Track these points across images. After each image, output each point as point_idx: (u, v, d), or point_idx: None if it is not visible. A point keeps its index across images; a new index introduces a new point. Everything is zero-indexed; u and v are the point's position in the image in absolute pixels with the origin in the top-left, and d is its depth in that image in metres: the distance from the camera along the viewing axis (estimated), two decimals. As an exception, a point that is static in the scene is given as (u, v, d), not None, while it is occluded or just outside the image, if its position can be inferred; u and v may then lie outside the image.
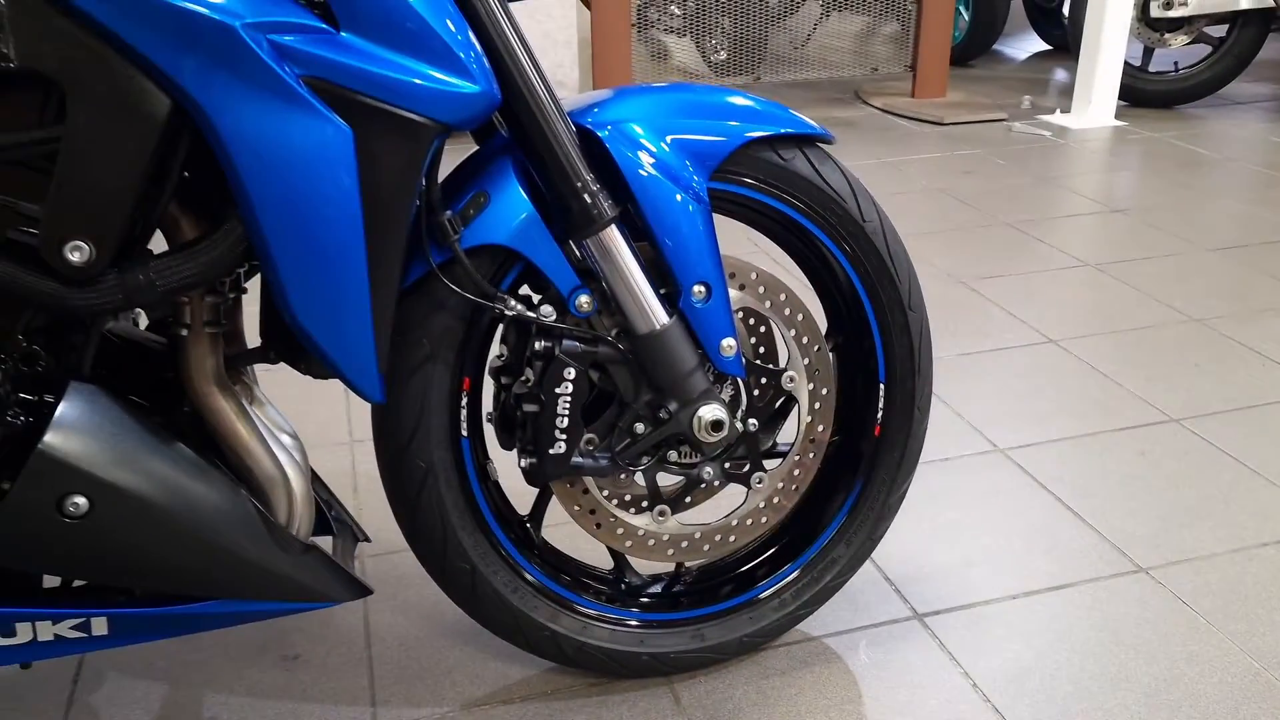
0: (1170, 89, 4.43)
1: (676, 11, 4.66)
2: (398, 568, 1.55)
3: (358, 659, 1.40)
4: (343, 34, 0.88)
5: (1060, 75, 5.26)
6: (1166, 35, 4.34)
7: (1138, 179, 3.54)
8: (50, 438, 0.91)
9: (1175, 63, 4.47)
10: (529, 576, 1.25)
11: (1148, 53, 4.41)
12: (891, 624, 1.45)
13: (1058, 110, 4.34)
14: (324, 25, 0.87)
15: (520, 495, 1.30)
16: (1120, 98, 4.25)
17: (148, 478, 0.96)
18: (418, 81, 0.91)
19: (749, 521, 1.29)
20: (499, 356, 1.21)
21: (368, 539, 1.30)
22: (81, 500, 0.93)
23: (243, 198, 0.88)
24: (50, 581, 1.05)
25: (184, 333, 1.01)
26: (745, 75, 4.63)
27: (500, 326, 1.19)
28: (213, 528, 1.00)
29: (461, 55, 0.93)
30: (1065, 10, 5.42)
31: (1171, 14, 4.26)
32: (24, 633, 0.99)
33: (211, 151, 0.88)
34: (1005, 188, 3.38)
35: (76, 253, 0.86)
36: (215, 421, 1.04)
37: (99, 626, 1.01)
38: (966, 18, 5.29)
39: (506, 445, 1.23)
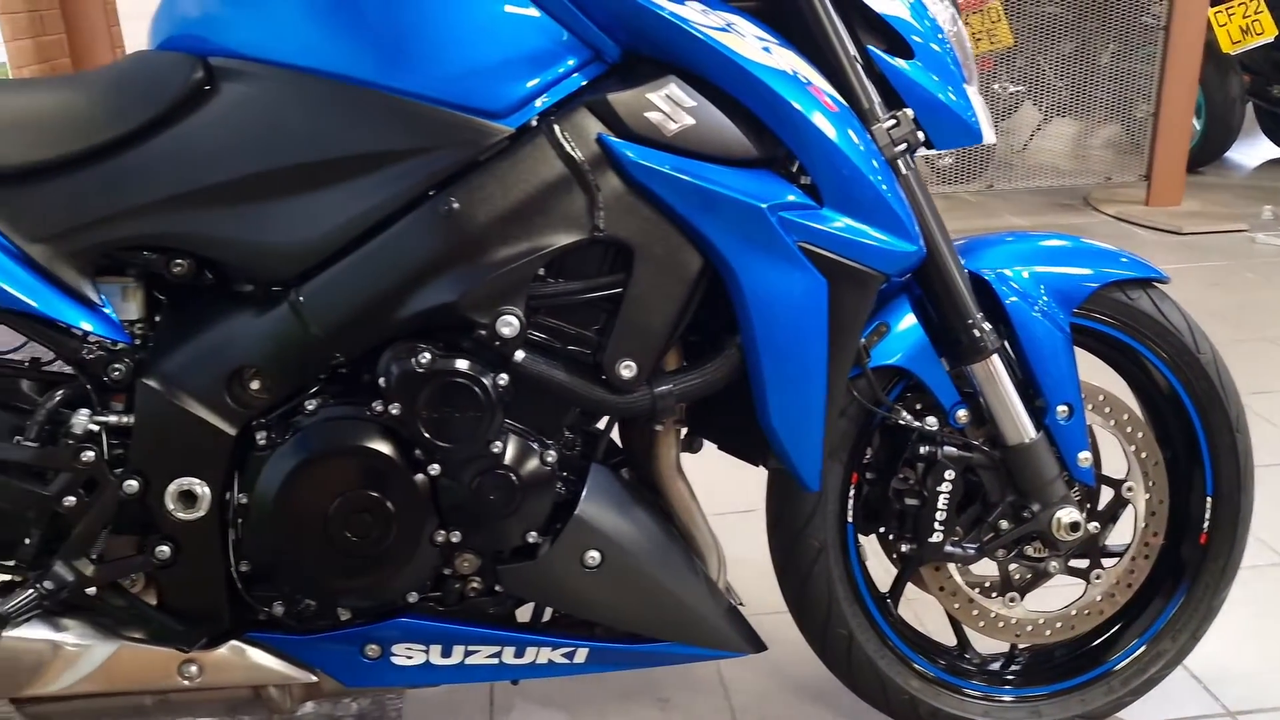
0: None
1: (903, 119, 4.90)
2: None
3: (720, 707, 1.63)
4: (824, 209, 1.15)
5: (1299, 183, 5.18)
6: None
7: (1399, 295, 3.49)
8: (583, 506, 1.20)
9: None
10: (894, 645, 1.46)
11: (1401, 164, 4.34)
12: (1204, 719, 1.57)
13: (1303, 221, 4.31)
14: (812, 202, 1.15)
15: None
16: (1372, 210, 4.19)
17: (641, 540, 1.24)
18: (875, 244, 1.17)
19: (1087, 613, 1.47)
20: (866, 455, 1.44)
21: (741, 603, 1.54)
22: (597, 555, 1.21)
23: (748, 331, 1.15)
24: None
25: (658, 429, 1.29)
26: (975, 182, 4.80)
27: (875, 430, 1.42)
28: (678, 582, 1.27)
29: (905, 224, 1.19)
30: (1304, 118, 5.39)
31: None
32: (530, 655, 1.27)
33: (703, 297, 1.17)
34: (1257, 301, 3.41)
35: (627, 370, 1.15)
36: (673, 499, 1.32)
37: (580, 655, 1.29)
38: (1198, 125, 5.31)
39: (865, 531, 1.46)
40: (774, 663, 1.70)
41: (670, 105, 1.11)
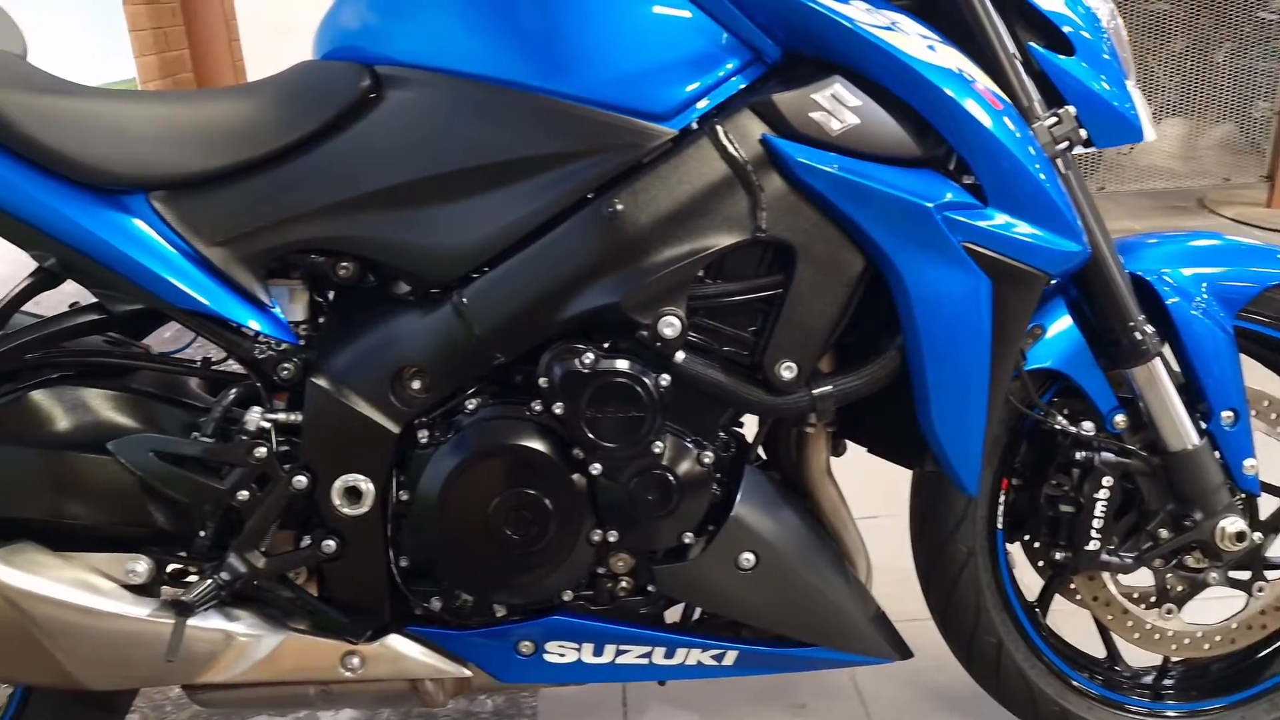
0: None
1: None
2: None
3: (857, 714, 1.61)
4: (989, 208, 1.13)
5: None
6: None
7: None
8: (739, 508, 1.20)
9: None
10: (1045, 654, 1.42)
11: None
12: (1372, 741, 1.50)
13: None
14: (977, 201, 1.13)
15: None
16: None
17: (794, 543, 1.23)
18: (1040, 244, 1.14)
19: (1249, 626, 1.41)
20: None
21: (880, 609, 1.52)
22: (751, 557, 1.21)
23: (911, 332, 1.14)
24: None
25: (808, 431, 1.29)
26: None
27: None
28: (829, 586, 1.26)
29: (1070, 223, 1.16)
30: None
31: None
32: (680, 656, 1.27)
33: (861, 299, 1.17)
34: (1395, 306, 3.25)
35: (787, 371, 1.15)
36: (823, 501, 1.31)
37: (729, 658, 1.29)
38: (1321, 124, 5.08)
39: (1012, 538, 1.43)
40: (910, 671, 1.67)
41: (834, 105, 1.10)
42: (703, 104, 1.12)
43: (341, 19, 1.24)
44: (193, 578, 1.23)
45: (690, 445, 1.19)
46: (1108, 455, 1.31)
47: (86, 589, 1.17)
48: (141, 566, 1.20)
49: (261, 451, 1.18)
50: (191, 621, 1.19)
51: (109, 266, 1.17)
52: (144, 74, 3.91)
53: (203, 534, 1.20)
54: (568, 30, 1.13)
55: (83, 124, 1.17)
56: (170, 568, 1.23)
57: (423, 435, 1.20)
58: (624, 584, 1.26)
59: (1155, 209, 4.73)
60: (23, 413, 1.20)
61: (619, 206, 1.11)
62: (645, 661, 1.27)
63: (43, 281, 1.20)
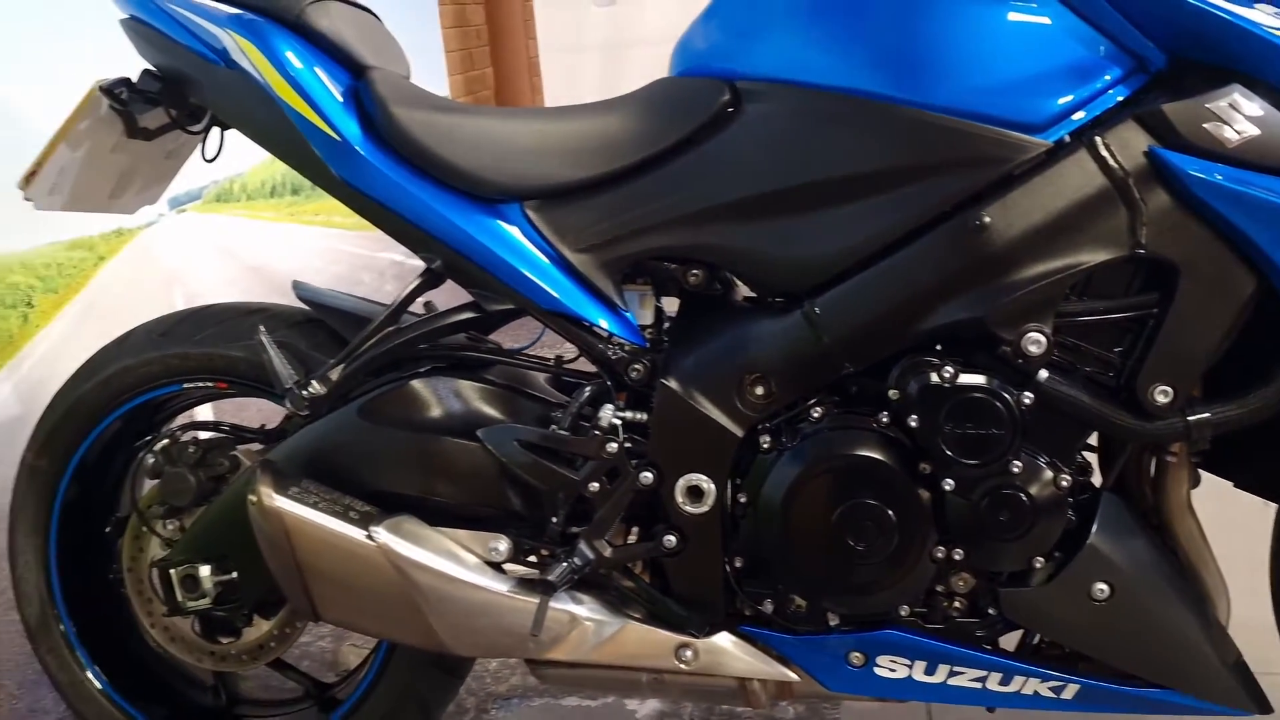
0: None
1: None
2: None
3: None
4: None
5: None
6: None
7: None
8: (1097, 536, 1.15)
9: None
10: None
11: None
12: None
13: None
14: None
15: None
16: None
17: (1151, 576, 1.17)
18: None
19: None
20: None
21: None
22: (1106, 588, 1.16)
23: (1312, 361, 1.06)
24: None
25: (1170, 459, 1.21)
26: None
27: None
28: (1187, 626, 1.18)
29: None
30: None
31: None
32: (1016, 684, 1.23)
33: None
34: None
35: (1162, 395, 1.10)
36: (1182, 535, 1.23)
37: (1068, 692, 1.23)
38: None
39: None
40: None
41: (1231, 114, 1.04)
42: (1079, 115, 1.09)
43: (697, 38, 1.30)
44: (532, 558, 1.32)
45: (1046, 467, 1.15)
46: None
47: (457, 562, 1.28)
48: (503, 545, 1.29)
49: (613, 446, 1.24)
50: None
51: (486, 269, 1.28)
52: (453, 91, 4.24)
53: (554, 520, 1.28)
54: (932, 40, 1.13)
55: (470, 138, 1.29)
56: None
57: (765, 440, 1.23)
58: (959, 604, 1.23)
59: None
60: (404, 399, 1.33)
61: (987, 220, 1.10)
62: (979, 686, 1.24)
63: (428, 282, 1.32)
